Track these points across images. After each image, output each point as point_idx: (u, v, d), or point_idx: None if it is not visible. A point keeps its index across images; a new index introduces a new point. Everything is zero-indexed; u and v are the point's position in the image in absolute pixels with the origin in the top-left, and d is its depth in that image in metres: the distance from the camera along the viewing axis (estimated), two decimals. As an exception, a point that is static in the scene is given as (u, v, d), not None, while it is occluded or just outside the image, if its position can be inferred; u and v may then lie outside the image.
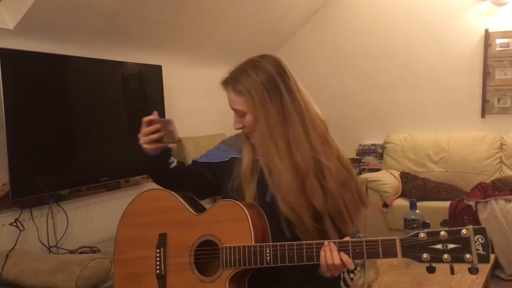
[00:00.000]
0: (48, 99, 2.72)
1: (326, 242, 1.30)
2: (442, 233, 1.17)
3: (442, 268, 2.20)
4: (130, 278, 1.52)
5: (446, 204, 3.54)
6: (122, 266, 1.56)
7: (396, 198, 3.86)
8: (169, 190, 1.54)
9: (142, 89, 3.45)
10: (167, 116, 3.62)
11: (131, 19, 3.23)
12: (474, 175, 3.99)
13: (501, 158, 4.08)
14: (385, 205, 3.79)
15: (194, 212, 1.48)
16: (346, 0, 4.74)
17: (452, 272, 1.18)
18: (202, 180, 1.61)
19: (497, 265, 3.14)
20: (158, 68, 3.54)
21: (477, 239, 1.14)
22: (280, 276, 1.45)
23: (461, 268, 2.18)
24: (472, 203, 3.33)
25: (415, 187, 3.90)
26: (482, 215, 3.24)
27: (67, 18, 2.84)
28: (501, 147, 4.09)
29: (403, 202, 3.76)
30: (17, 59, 2.55)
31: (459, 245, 1.15)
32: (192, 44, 4.00)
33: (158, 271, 1.46)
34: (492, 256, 2.42)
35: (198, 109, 4.09)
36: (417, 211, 2.38)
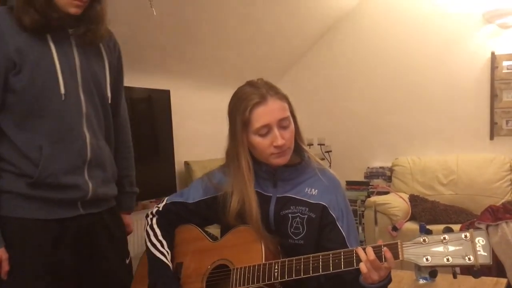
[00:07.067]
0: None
1: (342, 251, 1.28)
2: (443, 236, 1.20)
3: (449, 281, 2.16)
4: None
5: (457, 227, 3.49)
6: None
7: (405, 222, 3.82)
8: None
9: (151, 113, 3.47)
10: (175, 140, 3.64)
11: (140, 45, 3.27)
12: (484, 198, 3.95)
13: (511, 180, 4.04)
14: (395, 228, 3.76)
15: (211, 240, 1.50)
16: (352, 25, 4.79)
17: (455, 276, 1.22)
18: (203, 220, 1.60)
19: (510, 290, 3.09)
20: (166, 92, 3.57)
21: (478, 241, 1.17)
22: None
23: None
24: (482, 226, 3.28)
25: (424, 210, 3.87)
26: (493, 239, 3.19)
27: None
28: (511, 169, 4.06)
29: (412, 226, 3.73)
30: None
31: (460, 247, 1.18)
32: (199, 69, 4.04)
33: None
34: (504, 281, 2.38)
35: (206, 133, 4.11)
36: (427, 234, 2.35)
